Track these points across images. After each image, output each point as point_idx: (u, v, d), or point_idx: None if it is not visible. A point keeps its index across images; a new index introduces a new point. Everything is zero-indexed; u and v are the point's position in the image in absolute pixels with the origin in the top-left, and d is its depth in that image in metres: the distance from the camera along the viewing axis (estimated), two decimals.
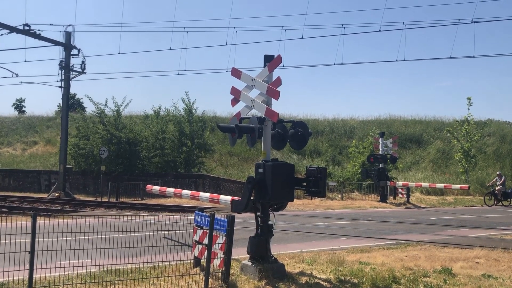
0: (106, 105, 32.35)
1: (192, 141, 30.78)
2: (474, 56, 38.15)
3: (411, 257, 10.06)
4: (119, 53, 27.82)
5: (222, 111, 53.80)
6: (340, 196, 26.69)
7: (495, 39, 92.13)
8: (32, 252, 6.14)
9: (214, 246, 7.38)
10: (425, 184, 26.92)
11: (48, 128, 44.03)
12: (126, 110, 33.70)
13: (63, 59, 28.35)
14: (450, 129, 33.66)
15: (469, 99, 32.46)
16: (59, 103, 39.42)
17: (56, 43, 28.00)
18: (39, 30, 27.00)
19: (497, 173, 26.93)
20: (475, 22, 18.95)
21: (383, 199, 25.18)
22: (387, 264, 9.23)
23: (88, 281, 7.21)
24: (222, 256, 7.36)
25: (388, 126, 39.76)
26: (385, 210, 21.90)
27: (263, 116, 8.25)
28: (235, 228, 7.52)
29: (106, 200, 25.31)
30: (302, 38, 23.29)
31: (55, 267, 7.00)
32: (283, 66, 22.06)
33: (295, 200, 11.26)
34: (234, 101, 8.99)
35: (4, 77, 36.06)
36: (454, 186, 26.66)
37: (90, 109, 55.90)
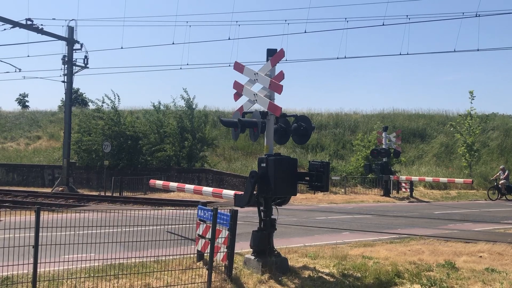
0: (103, 102, 32.41)
1: (193, 136, 30.77)
2: (478, 50, 37.63)
3: (414, 251, 10.06)
4: (121, 47, 27.89)
5: (225, 105, 53.75)
6: (343, 190, 26.67)
7: (499, 32, 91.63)
8: (36, 246, 6.16)
9: (217, 240, 7.39)
10: (429, 178, 26.83)
11: (51, 123, 44.10)
12: (129, 105, 33.73)
13: (66, 54, 28.35)
14: (453, 123, 33.52)
15: (471, 92, 32.25)
16: (62, 98, 39.42)
17: (58, 37, 27.98)
18: (41, 24, 27.00)
19: (501, 167, 26.84)
20: (479, 16, 18.75)
21: (387, 193, 25.17)
22: (390, 258, 9.24)
23: (92, 275, 7.23)
24: (225, 250, 7.38)
25: (392, 120, 39.62)
26: (388, 205, 21.89)
27: (266, 110, 8.23)
28: (238, 222, 7.54)
29: (110, 194, 25.35)
30: (305, 32, 23.30)
31: (59, 261, 7.05)
32: (286, 60, 21.99)
33: (298, 194, 11.23)
34: (237, 95, 8.99)
35: (7, 72, 36.36)
36: (457, 180, 26.55)
37: (92, 104, 55.86)
